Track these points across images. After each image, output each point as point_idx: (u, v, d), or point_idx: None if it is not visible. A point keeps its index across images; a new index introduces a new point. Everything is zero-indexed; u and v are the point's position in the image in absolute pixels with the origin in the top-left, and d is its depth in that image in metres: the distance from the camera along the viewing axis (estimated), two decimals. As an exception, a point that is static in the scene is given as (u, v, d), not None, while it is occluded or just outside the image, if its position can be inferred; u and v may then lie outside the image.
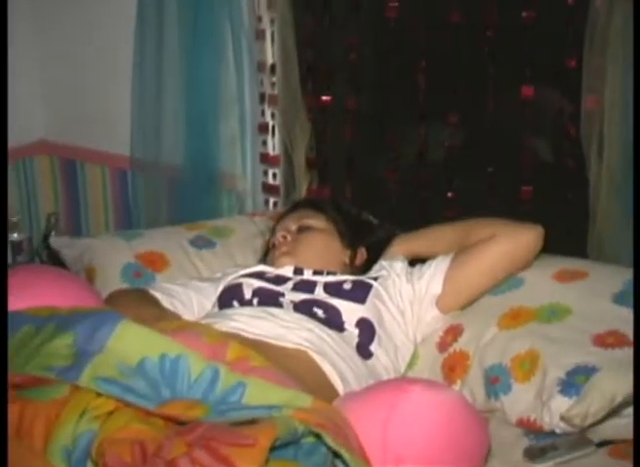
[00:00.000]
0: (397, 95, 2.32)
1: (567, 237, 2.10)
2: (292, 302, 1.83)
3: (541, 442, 1.59)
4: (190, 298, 1.93)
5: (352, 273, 1.98)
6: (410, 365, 1.87)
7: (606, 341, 1.65)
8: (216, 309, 1.89)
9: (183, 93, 2.43)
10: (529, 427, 1.63)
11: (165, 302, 1.88)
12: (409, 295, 1.90)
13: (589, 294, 1.78)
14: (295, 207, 2.13)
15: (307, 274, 1.93)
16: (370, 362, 1.79)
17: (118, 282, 2.05)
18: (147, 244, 2.15)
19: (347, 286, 1.86)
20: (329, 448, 1.32)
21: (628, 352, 1.61)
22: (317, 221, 2.05)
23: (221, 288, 1.93)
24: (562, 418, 1.56)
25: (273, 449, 1.26)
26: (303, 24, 2.37)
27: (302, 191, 2.43)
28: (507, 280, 1.87)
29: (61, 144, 2.88)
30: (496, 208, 2.18)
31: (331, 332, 1.77)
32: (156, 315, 1.75)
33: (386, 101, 2.34)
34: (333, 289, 1.86)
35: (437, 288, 1.88)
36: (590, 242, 2.02)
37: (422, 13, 2.23)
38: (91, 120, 2.78)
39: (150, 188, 2.59)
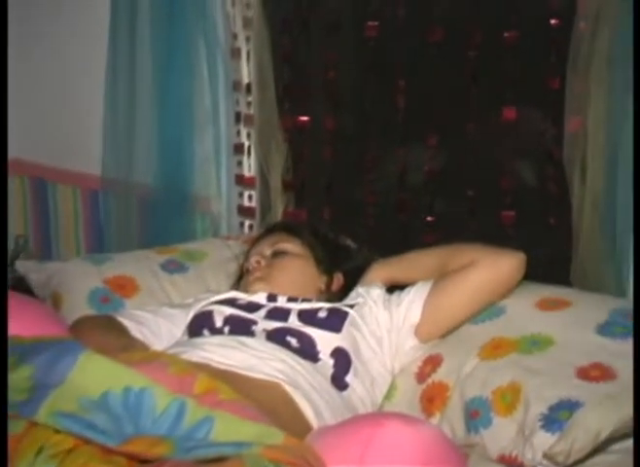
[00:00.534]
0: (376, 116, 2.27)
1: (550, 264, 2.05)
2: (264, 330, 1.76)
3: (522, 479, 1.53)
4: (159, 325, 1.86)
5: (328, 300, 1.92)
6: (388, 396, 1.80)
7: (590, 374, 1.58)
8: (186, 338, 1.82)
9: (156, 112, 2.38)
10: (510, 463, 1.56)
11: (134, 329, 1.81)
12: (387, 323, 1.83)
13: (572, 324, 1.72)
14: (270, 231, 2.07)
15: (281, 301, 1.86)
16: (345, 394, 1.72)
17: (84, 308, 1.97)
18: (116, 268, 2.08)
19: (322, 314, 1.80)
20: (300, 488, 1.25)
21: (612, 386, 1.55)
22: (293, 245, 1.98)
23: (191, 315, 1.86)
24: (545, 456, 1.49)
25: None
26: (280, 43, 2.32)
27: (277, 213, 2.38)
28: (487, 309, 1.81)
29: (33, 163, 2.81)
30: (477, 233, 2.13)
31: (305, 362, 1.70)
32: (121, 345, 1.68)
33: (365, 122, 2.29)
34: (307, 317, 1.79)
35: (415, 316, 1.81)
36: (574, 269, 1.96)
37: (402, 32, 2.18)
38: (63, 139, 2.72)
39: (122, 209, 2.53)
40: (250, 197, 2.45)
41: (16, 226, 2.87)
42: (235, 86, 2.38)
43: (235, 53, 2.36)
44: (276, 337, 1.74)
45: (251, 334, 1.76)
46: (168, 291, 2.07)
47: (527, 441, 1.53)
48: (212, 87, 2.35)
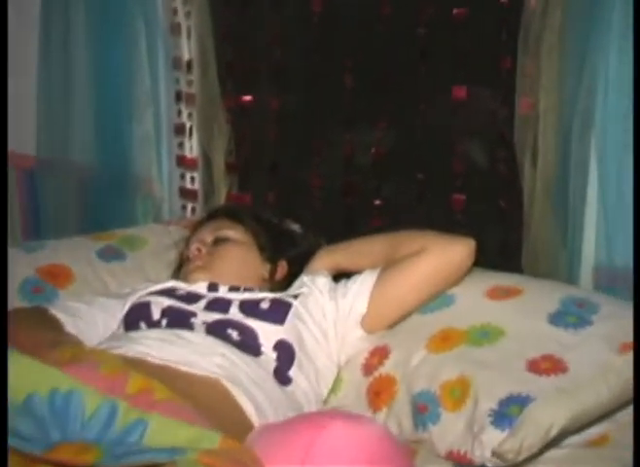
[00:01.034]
0: (323, 96, 2.18)
1: (501, 249, 1.99)
2: (204, 323, 1.69)
3: (471, 477, 1.47)
4: (94, 317, 1.77)
5: (271, 289, 1.86)
6: (334, 389, 1.74)
7: (541, 366, 1.53)
8: (122, 331, 1.73)
9: (92, 90, 2.29)
10: (459, 461, 1.51)
11: (68, 323, 1.72)
12: (333, 313, 1.76)
13: (524, 313, 1.66)
14: (211, 217, 1.99)
15: (222, 291, 1.79)
16: (288, 388, 1.65)
17: (16, 299, 1.87)
18: (50, 256, 1.98)
19: (265, 305, 1.72)
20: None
21: (564, 379, 1.50)
22: (235, 232, 1.91)
23: (128, 306, 1.78)
24: (494, 454, 1.44)
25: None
26: (222, 18, 2.23)
27: (221, 197, 2.30)
28: (437, 298, 1.76)
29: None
30: (426, 217, 2.07)
31: (246, 356, 1.62)
32: (52, 341, 1.58)
33: (311, 102, 2.21)
34: (249, 308, 1.72)
35: (362, 306, 1.75)
36: (525, 255, 1.91)
37: (350, 7, 2.09)
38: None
39: (58, 191, 2.44)
40: (192, 180, 2.37)
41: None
42: (176, 63, 2.28)
43: (175, 28, 2.26)
44: (216, 329, 1.67)
45: (190, 327, 1.68)
46: (105, 280, 1.98)
47: (476, 438, 1.47)
48: (151, 64, 2.26)
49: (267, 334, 1.68)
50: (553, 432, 1.43)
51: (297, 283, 1.84)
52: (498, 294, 1.73)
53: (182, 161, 2.35)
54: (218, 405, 1.49)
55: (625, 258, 1.72)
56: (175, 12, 2.25)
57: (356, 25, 2.10)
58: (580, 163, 1.79)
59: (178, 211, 2.39)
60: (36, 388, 1.30)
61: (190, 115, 2.32)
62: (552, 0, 1.74)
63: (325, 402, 1.73)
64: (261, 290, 1.82)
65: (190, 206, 2.38)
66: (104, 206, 2.37)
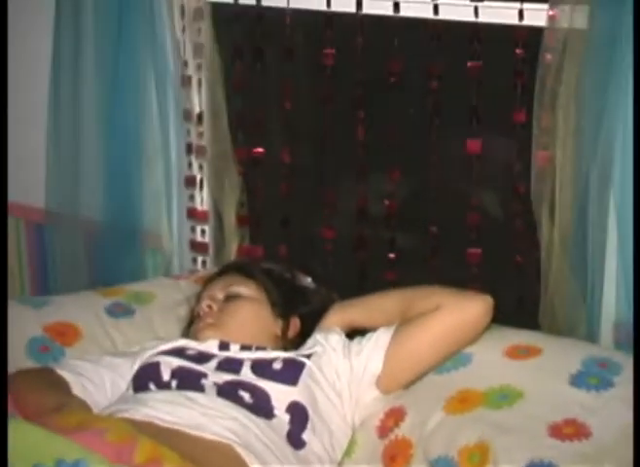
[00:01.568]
0: (334, 148, 2.15)
1: (518, 305, 1.95)
2: (215, 384, 1.64)
3: None
4: (102, 377, 1.73)
5: (284, 346, 1.82)
6: (348, 452, 1.69)
7: (563, 431, 1.48)
8: (130, 392, 1.69)
9: (102, 143, 2.25)
10: (480, 530, 1.46)
11: (74, 383, 1.68)
12: (347, 373, 1.72)
13: (544, 375, 1.62)
14: (222, 272, 1.95)
15: (234, 350, 1.75)
16: (302, 452, 1.61)
17: (23, 359, 1.83)
18: (57, 313, 1.95)
19: (277, 365, 1.68)
20: None
21: (587, 445, 1.45)
22: (246, 288, 1.87)
23: (137, 366, 1.74)
24: (516, 524, 1.39)
25: None
26: (233, 71, 2.20)
27: (232, 250, 2.25)
28: (453, 357, 1.71)
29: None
30: (441, 271, 2.03)
31: (258, 420, 1.58)
32: (58, 405, 1.55)
33: (323, 155, 2.18)
34: (261, 369, 1.67)
35: (377, 366, 1.70)
36: (542, 311, 1.86)
37: (361, 60, 2.07)
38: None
39: (67, 244, 2.39)
40: (203, 233, 2.33)
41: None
42: (186, 115, 2.26)
43: (186, 81, 2.24)
44: (228, 391, 1.63)
45: (200, 388, 1.64)
46: (113, 337, 1.94)
47: (497, 506, 1.43)
48: (162, 116, 2.23)
49: (280, 395, 1.63)
50: (578, 501, 1.39)
51: (310, 341, 1.79)
52: (517, 353, 1.68)
53: (192, 214, 2.32)
54: (230, 472, 1.45)
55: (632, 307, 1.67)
56: (186, 64, 2.23)
57: (368, 78, 2.07)
58: (598, 217, 1.76)
59: (188, 264, 2.35)
60: (41, 459, 1.27)
61: (200, 167, 2.29)
62: (569, 54, 1.71)
63: (339, 464, 1.68)
64: (273, 348, 1.78)
65: (200, 259, 2.34)
66: (113, 260, 2.33)
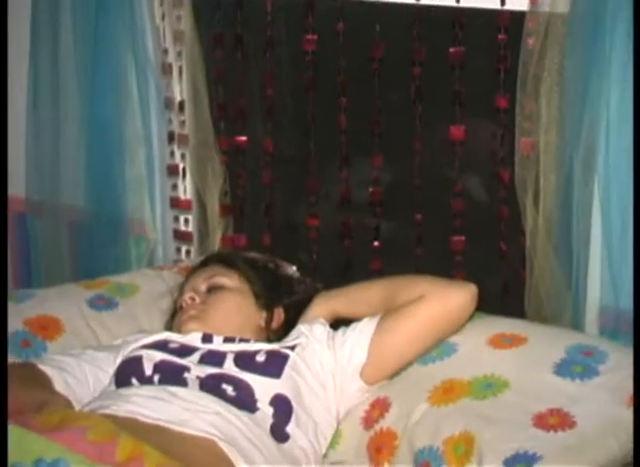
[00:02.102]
0: (317, 136, 2.13)
1: (503, 292, 1.94)
2: (198, 378, 1.63)
3: None
4: (84, 371, 1.71)
5: (268, 337, 1.81)
6: (333, 444, 1.68)
7: (548, 421, 1.47)
8: (113, 387, 1.67)
9: (83, 131, 2.23)
10: (464, 521, 1.46)
11: (57, 379, 1.66)
12: (331, 364, 1.71)
13: (528, 364, 1.61)
14: (205, 263, 1.93)
15: (217, 342, 1.73)
16: (286, 445, 1.60)
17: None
18: (38, 307, 1.92)
19: (261, 358, 1.67)
20: None
21: (572, 436, 1.44)
22: (229, 279, 1.85)
23: (119, 360, 1.72)
24: (500, 516, 1.38)
25: None
26: (214, 58, 2.17)
27: (216, 239, 2.23)
28: (438, 346, 1.70)
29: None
30: (426, 259, 2.02)
31: (241, 413, 1.57)
32: (39, 402, 1.54)
33: (306, 142, 2.15)
34: (244, 362, 1.66)
35: (361, 357, 1.69)
36: (528, 298, 1.85)
37: (343, 47, 2.05)
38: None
39: (50, 234, 2.37)
40: (187, 222, 2.31)
41: None
42: (167, 104, 2.23)
43: (166, 69, 2.21)
44: (210, 385, 1.61)
45: (183, 382, 1.62)
46: (96, 331, 1.92)
47: (482, 498, 1.42)
48: (142, 105, 2.20)
49: (264, 388, 1.62)
50: (562, 492, 1.38)
51: (294, 332, 1.78)
52: (501, 342, 1.67)
53: (176, 203, 2.30)
54: (213, 467, 1.44)
55: (632, 300, 1.66)
56: (166, 52, 2.21)
57: (350, 64, 2.05)
58: (582, 204, 1.74)
59: (172, 254, 2.33)
60: (20, 459, 1.26)
61: (183, 156, 2.26)
62: (551, 38, 1.69)
63: (324, 456, 1.68)
64: (257, 339, 1.77)
65: (184, 249, 2.32)
66: (96, 249, 2.31)
